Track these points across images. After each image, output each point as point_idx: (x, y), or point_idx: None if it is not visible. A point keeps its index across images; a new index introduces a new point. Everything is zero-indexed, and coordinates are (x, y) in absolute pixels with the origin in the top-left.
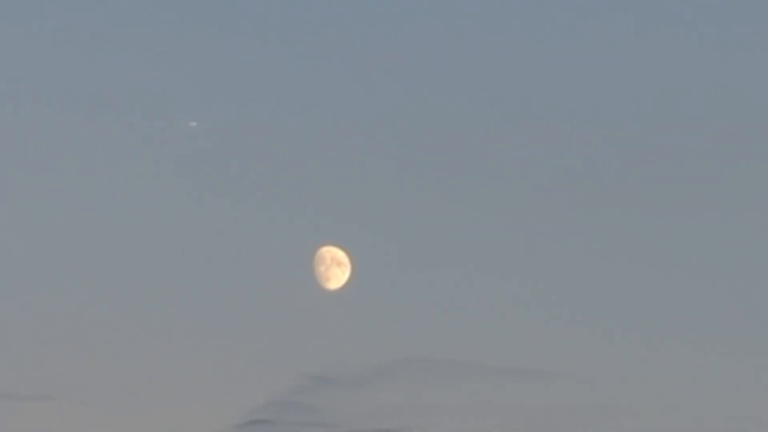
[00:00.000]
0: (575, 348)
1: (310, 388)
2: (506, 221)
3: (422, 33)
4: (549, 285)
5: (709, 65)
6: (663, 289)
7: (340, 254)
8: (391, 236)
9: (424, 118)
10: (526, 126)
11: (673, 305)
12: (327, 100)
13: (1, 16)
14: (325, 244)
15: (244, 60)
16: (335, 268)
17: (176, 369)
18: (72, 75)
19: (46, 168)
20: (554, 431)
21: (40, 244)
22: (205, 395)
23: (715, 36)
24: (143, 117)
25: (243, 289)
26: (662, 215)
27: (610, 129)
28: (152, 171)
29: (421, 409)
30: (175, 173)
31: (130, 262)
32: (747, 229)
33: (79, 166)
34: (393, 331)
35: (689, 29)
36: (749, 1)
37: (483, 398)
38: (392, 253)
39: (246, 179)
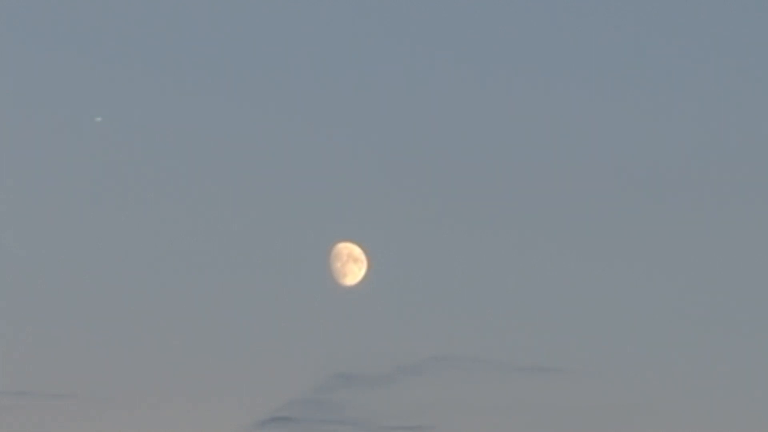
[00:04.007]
0: (601, 346)
1: (332, 386)
2: (527, 218)
3: (436, 25)
4: (574, 282)
5: (706, 64)
6: (687, 287)
7: (356, 250)
8: (408, 232)
9: (441, 116)
10: (544, 125)
11: (698, 304)
12: (343, 98)
13: None
14: (341, 240)
15: (244, 55)
16: (351, 265)
17: (198, 367)
18: None
19: None
20: (579, 430)
21: (51, 244)
22: (226, 393)
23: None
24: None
25: (262, 287)
26: (683, 214)
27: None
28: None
29: (445, 407)
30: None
31: (148, 263)
32: None
33: None
34: (413, 329)
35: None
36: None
37: (507, 396)
38: (408, 250)
39: (262, 177)
